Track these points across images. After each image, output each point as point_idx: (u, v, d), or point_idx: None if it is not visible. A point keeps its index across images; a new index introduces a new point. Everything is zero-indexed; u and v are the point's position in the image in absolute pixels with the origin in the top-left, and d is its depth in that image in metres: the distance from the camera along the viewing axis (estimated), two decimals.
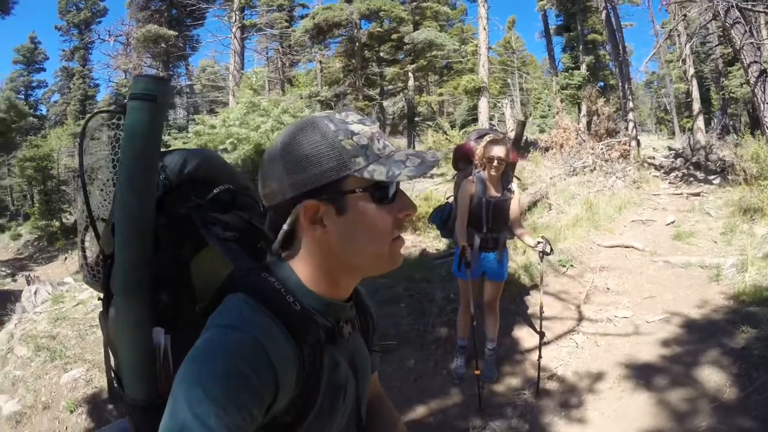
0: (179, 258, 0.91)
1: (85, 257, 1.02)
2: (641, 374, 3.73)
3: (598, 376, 3.83)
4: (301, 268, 0.84)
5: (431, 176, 14.36)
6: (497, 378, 3.94)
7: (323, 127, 0.80)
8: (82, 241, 1.03)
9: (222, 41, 24.79)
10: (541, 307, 3.86)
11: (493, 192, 3.62)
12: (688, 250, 6.76)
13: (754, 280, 4.99)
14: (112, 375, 0.94)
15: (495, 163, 3.48)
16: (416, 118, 25.23)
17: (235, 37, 22.83)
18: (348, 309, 0.90)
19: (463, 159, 3.84)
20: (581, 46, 24.75)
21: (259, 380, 0.69)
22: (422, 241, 7.62)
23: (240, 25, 22.95)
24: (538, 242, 3.54)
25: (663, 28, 26.64)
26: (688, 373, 3.65)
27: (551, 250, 3.56)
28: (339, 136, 0.79)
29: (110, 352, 0.94)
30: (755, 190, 8.37)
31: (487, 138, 3.59)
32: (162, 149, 0.95)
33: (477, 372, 3.56)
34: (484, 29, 19.06)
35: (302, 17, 24.56)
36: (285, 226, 0.81)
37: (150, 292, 0.86)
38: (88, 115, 1.02)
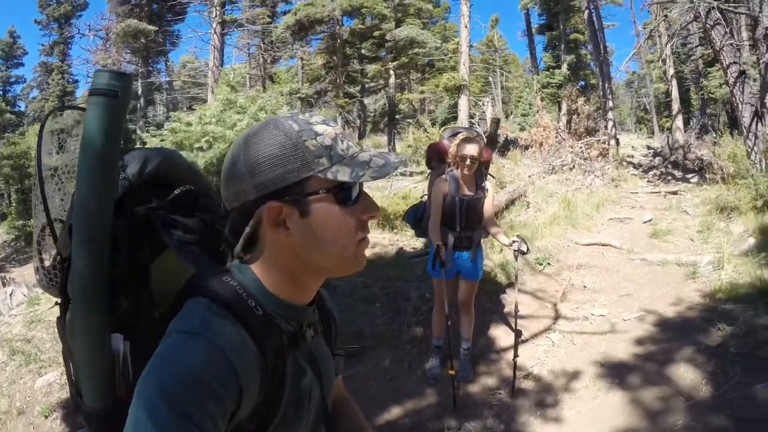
0: (138, 261, 0.88)
1: (41, 260, 0.98)
2: (617, 373, 3.72)
3: (574, 375, 3.80)
4: (264, 271, 0.82)
5: (410, 174, 14.37)
6: (472, 378, 3.89)
7: (287, 128, 0.78)
8: (39, 243, 0.99)
9: (202, 37, 24.56)
10: (516, 306, 3.83)
11: (466, 191, 3.58)
12: (665, 248, 6.81)
13: (730, 278, 5.02)
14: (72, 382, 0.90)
15: (467, 161, 3.44)
16: (397, 116, 25.19)
17: (215, 32, 22.62)
18: (311, 313, 0.89)
19: (436, 157, 3.80)
20: (563, 46, 24.95)
21: (223, 389, 0.67)
22: (399, 239, 7.60)
23: (220, 20, 22.75)
24: (513, 241, 3.50)
25: (644, 28, 26.90)
26: (663, 371, 3.64)
27: (527, 248, 3.54)
28: (302, 136, 0.78)
29: (68, 359, 0.89)
30: (732, 189, 8.49)
31: (460, 136, 3.55)
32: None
33: (452, 372, 3.52)
34: (466, 27, 19.13)
35: (285, 13, 24.32)
36: (247, 229, 0.79)
37: (108, 297, 0.83)
38: (46, 112, 0.98)
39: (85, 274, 0.80)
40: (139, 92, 26.17)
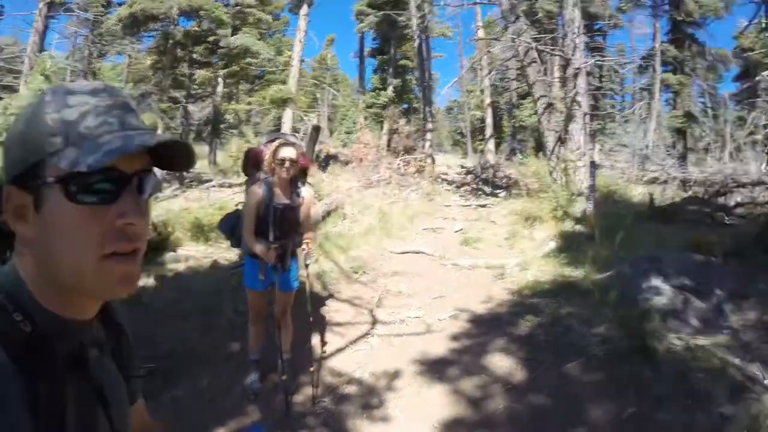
0: None
1: None
2: (436, 368, 3.82)
3: (396, 375, 3.81)
4: (30, 275, 0.65)
5: (229, 186, 13.46)
6: (295, 389, 3.69)
7: (41, 101, 0.64)
8: None
9: (25, 18, 20.87)
10: (309, 317, 3.86)
11: (282, 198, 3.42)
12: (475, 253, 7.38)
13: (534, 277, 5.52)
14: None
15: (286, 164, 3.29)
16: (222, 126, 24.29)
17: (39, 14, 19.37)
18: (92, 331, 0.72)
19: (252, 164, 3.64)
20: (392, 70, 26.26)
21: None
22: (214, 252, 7.20)
23: (48, 0, 19.54)
24: (305, 249, 3.56)
25: (469, 61, 29.85)
26: (479, 361, 3.84)
27: (310, 259, 3.66)
28: (47, 108, 0.63)
29: None
30: (535, 201, 9.63)
31: (276, 142, 3.40)
32: None
33: (284, 377, 3.45)
34: (300, 42, 19.17)
35: (121, 5, 21.96)
36: (2, 216, 0.65)
37: None
38: None
39: None
40: None
